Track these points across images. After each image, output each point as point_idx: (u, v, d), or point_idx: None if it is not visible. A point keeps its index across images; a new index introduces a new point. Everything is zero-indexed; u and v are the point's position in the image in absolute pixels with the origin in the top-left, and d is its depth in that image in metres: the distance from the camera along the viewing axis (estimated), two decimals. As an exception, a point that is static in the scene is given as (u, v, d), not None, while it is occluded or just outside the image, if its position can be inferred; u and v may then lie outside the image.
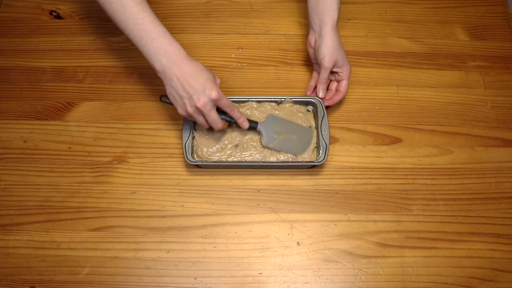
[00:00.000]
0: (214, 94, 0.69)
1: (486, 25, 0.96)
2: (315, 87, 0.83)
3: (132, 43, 0.72)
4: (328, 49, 0.78)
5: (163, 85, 0.87)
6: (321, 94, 0.81)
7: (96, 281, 0.71)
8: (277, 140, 0.77)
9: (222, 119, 0.73)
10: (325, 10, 0.78)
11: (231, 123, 0.76)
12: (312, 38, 0.82)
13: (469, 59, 0.92)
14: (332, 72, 0.82)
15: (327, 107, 0.81)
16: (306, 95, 0.84)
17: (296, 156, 0.78)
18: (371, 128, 0.84)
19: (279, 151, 0.77)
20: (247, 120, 0.75)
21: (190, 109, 0.70)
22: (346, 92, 0.82)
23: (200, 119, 0.72)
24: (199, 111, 0.70)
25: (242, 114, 0.75)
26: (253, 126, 0.76)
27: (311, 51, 0.83)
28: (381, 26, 0.96)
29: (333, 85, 0.84)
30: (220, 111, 0.73)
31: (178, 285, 0.71)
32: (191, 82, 0.69)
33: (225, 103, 0.71)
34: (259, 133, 0.77)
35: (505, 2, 0.99)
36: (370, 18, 0.97)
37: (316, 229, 0.75)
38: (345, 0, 0.99)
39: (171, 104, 0.73)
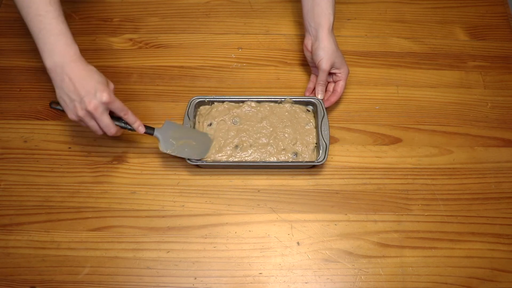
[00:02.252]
0: (105, 96, 0.67)
1: (486, 25, 0.96)
2: (314, 89, 0.83)
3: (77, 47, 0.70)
4: (325, 51, 0.78)
5: (163, 84, 0.88)
6: (320, 96, 0.81)
7: (96, 281, 0.71)
8: (175, 146, 0.74)
9: (116, 125, 0.71)
10: (321, 13, 0.79)
11: (127, 129, 0.74)
12: (308, 42, 0.82)
13: (469, 59, 0.92)
14: (330, 74, 0.82)
15: (326, 107, 0.81)
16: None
17: (296, 156, 0.78)
18: (371, 128, 0.84)
19: (178, 156, 0.75)
20: (143, 125, 0.73)
21: (81, 113, 0.68)
22: (343, 92, 0.82)
23: (92, 124, 0.70)
24: (91, 114, 0.68)
25: (137, 118, 0.73)
26: (149, 132, 0.74)
27: (308, 54, 0.83)
28: (381, 26, 0.96)
29: (331, 86, 0.84)
30: (115, 117, 0.72)
31: (178, 285, 0.71)
32: (83, 84, 0.67)
33: (118, 107, 0.70)
34: (157, 139, 0.75)
35: (505, 2, 0.99)
36: (370, 18, 0.97)
37: (316, 229, 0.75)
38: (345, 0, 0.99)
39: (62, 110, 0.71)
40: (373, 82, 0.89)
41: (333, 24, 0.79)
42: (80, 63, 0.68)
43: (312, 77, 0.86)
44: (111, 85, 0.71)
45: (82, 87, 0.67)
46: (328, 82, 0.84)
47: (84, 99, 0.67)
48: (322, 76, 0.80)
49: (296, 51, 0.92)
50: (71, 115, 0.69)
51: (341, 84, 0.81)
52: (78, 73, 0.68)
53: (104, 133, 0.72)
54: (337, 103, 0.86)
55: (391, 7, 0.98)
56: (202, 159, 0.77)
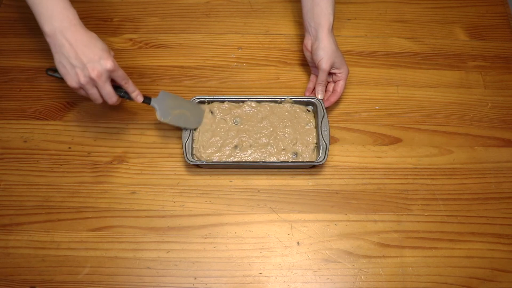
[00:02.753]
0: (109, 64, 0.66)
1: (486, 25, 0.96)
2: (314, 89, 0.83)
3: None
4: (325, 51, 0.78)
5: (163, 84, 0.88)
6: (320, 96, 0.81)
7: (96, 281, 0.71)
8: (172, 115, 0.75)
9: (116, 94, 0.71)
10: (320, 13, 0.79)
11: (125, 98, 0.74)
12: (308, 42, 0.82)
13: (469, 59, 0.92)
14: (330, 74, 0.82)
15: (326, 107, 0.81)
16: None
17: (296, 156, 0.78)
18: (371, 128, 0.84)
19: (174, 125, 0.77)
20: (141, 94, 0.73)
21: (83, 80, 0.66)
22: (342, 92, 0.82)
23: (93, 91, 0.68)
24: (93, 82, 0.67)
25: (136, 88, 0.72)
26: (146, 102, 0.75)
27: (307, 54, 0.83)
28: (381, 26, 0.96)
29: (331, 86, 0.84)
30: (113, 86, 0.71)
31: (178, 285, 0.71)
32: (85, 51, 0.65)
33: (120, 75, 0.69)
34: (153, 108, 0.75)
35: (505, 2, 0.99)
36: (370, 18, 0.97)
37: (316, 229, 0.75)
38: (345, 0, 0.99)
39: (59, 77, 0.69)
40: (373, 82, 0.89)
41: (333, 24, 0.79)
42: (80, 28, 0.67)
43: (312, 77, 0.86)
44: (112, 53, 0.70)
45: (84, 53, 0.65)
46: (328, 82, 0.84)
47: (87, 65, 0.65)
48: (322, 76, 0.80)
49: (296, 51, 0.92)
50: (71, 82, 0.67)
51: (341, 84, 0.81)
52: (80, 38, 0.66)
53: (104, 102, 0.71)
54: (337, 103, 0.86)
55: (391, 7, 0.98)
56: (201, 161, 0.77)
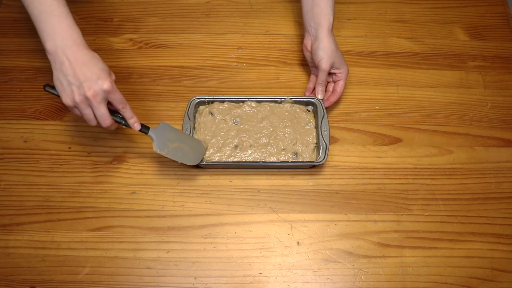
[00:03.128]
0: (107, 84, 0.65)
1: (486, 25, 0.96)
2: (313, 89, 0.83)
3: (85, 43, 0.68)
4: (325, 51, 0.79)
5: (163, 84, 0.88)
6: (320, 96, 0.81)
7: (96, 281, 0.71)
8: (169, 148, 0.73)
9: (112, 118, 0.69)
10: (320, 13, 0.79)
11: (121, 124, 0.72)
12: (308, 42, 0.82)
13: (469, 59, 0.92)
14: (329, 74, 0.82)
15: (326, 107, 0.81)
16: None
17: (296, 156, 0.78)
18: (371, 128, 0.84)
19: (171, 158, 0.74)
20: (139, 122, 0.71)
21: (78, 98, 0.65)
22: (342, 92, 0.82)
23: (87, 111, 0.66)
24: (88, 101, 0.65)
25: (134, 114, 0.70)
26: (144, 131, 0.73)
27: (307, 54, 0.83)
28: (381, 26, 0.96)
29: (330, 86, 0.84)
30: (111, 110, 0.69)
31: (178, 285, 0.71)
32: (83, 70, 0.64)
33: (117, 98, 0.67)
34: (151, 138, 0.74)
35: (505, 2, 0.99)
36: (370, 18, 0.97)
37: (316, 229, 0.75)
38: (345, 0, 0.99)
39: (56, 94, 0.68)
40: (373, 82, 0.89)
41: (332, 24, 0.80)
42: (83, 48, 0.66)
43: (312, 77, 0.86)
44: (113, 76, 0.69)
45: (82, 72, 0.64)
46: (328, 82, 0.84)
47: (84, 84, 0.64)
48: (322, 76, 0.80)
49: (296, 51, 0.92)
50: (66, 99, 0.66)
51: (340, 84, 0.82)
52: (80, 57, 0.65)
53: (98, 124, 0.69)
54: (337, 103, 0.86)
55: (391, 7, 0.98)
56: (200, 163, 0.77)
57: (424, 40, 0.94)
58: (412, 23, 0.96)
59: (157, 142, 0.73)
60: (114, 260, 0.72)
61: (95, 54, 0.67)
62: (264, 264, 0.72)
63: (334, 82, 0.83)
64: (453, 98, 0.87)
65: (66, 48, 0.65)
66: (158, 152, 0.73)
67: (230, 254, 0.73)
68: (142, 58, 0.91)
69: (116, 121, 0.71)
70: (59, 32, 0.65)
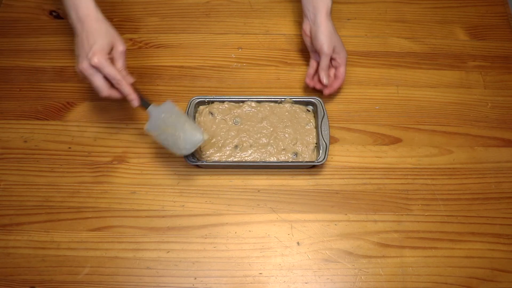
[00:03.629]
0: (94, 60, 0.67)
1: (486, 25, 0.96)
2: (314, 74, 0.82)
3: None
4: (325, 35, 0.78)
5: (163, 84, 0.88)
6: (325, 81, 0.80)
7: (96, 281, 0.71)
8: (160, 131, 0.71)
9: (109, 88, 0.70)
10: None
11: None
12: (306, 27, 0.82)
13: (469, 59, 0.92)
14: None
15: (328, 95, 0.80)
16: (306, 83, 0.84)
17: (296, 156, 0.78)
18: (371, 128, 0.84)
19: (159, 142, 0.73)
20: (138, 99, 0.71)
21: (84, 65, 0.68)
22: (345, 78, 0.82)
23: (95, 79, 0.69)
24: (86, 72, 0.68)
25: (132, 90, 0.71)
26: (144, 105, 0.72)
27: (307, 39, 0.83)
28: (381, 26, 0.96)
29: (331, 72, 0.83)
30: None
31: (178, 285, 0.71)
32: (90, 40, 0.68)
33: (109, 73, 0.69)
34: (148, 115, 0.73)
35: (505, 2, 0.99)
36: (370, 18, 0.97)
37: (316, 229, 0.75)
38: (345, 0, 0.99)
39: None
40: (373, 82, 0.89)
41: (331, 8, 0.79)
42: (91, 20, 0.70)
43: (312, 62, 0.85)
44: (120, 47, 0.71)
45: (88, 43, 0.69)
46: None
47: (90, 54, 0.68)
48: (325, 60, 0.79)
49: (296, 51, 0.92)
50: (76, 67, 0.71)
51: (342, 69, 0.81)
52: (89, 30, 0.70)
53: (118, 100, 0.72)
54: (337, 103, 0.86)
55: (391, 7, 0.98)
56: (202, 160, 0.77)
57: (424, 40, 0.94)
58: (412, 23, 0.96)
59: (150, 121, 0.71)
60: (114, 260, 0.72)
61: (102, 27, 0.71)
62: (264, 264, 0.72)
63: (335, 68, 0.82)
64: (453, 98, 0.87)
65: (78, 21, 0.71)
66: (146, 131, 0.71)
67: (230, 254, 0.73)
68: (142, 58, 0.91)
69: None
70: (73, 5, 0.71)
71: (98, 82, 0.69)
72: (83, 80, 0.71)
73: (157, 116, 0.72)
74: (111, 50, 0.71)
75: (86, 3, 0.71)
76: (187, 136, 0.72)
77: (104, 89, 0.70)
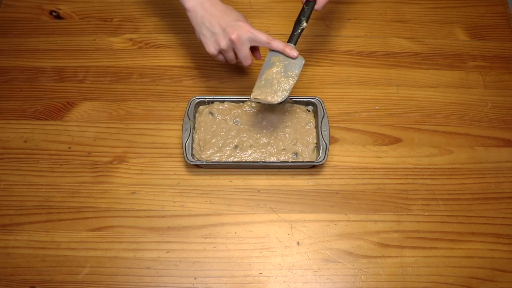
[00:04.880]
0: (247, 27, 0.71)
1: (486, 25, 0.96)
2: None
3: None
4: None
5: (163, 84, 0.88)
6: None
7: (96, 281, 0.71)
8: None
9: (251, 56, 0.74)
10: None
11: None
12: None
13: (469, 59, 0.92)
14: None
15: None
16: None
17: (296, 156, 0.78)
18: (371, 128, 0.84)
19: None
20: (294, 49, 0.74)
21: (224, 43, 0.72)
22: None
23: (230, 54, 0.74)
24: (232, 44, 0.72)
25: (283, 43, 0.74)
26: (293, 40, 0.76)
27: None
28: (381, 26, 0.96)
29: None
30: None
31: (178, 285, 0.71)
32: (224, 18, 0.72)
33: (260, 37, 0.72)
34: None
35: (505, 2, 0.99)
36: (370, 18, 0.97)
37: (316, 229, 0.75)
38: (345, 0, 0.99)
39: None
40: (373, 82, 0.89)
41: None
42: (217, 1, 0.74)
43: None
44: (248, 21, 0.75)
45: (223, 20, 0.72)
46: None
47: (227, 29, 0.71)
48: None
49: (296, 51, 0.92)
50: (210, 48, 0.74)
51: None
52: (218, 9, 0.73)
53: (238, 63, 0.76)
54: (337, 103, 0.86)
55: (391, 7, 0.98)
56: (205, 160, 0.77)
57: (424, 40, 0.94)
58: (412, 23, 0.96)
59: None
60: (114, 260, 0.72)
61: (229, 6, 0.75)
62: (264, 264, 0.72)
63: None
64: (453, 98, 0.87)
65: (204, 3, 0.73)
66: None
67: (230, 254, 0.73)
68: (142, 58, 0.91)
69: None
70: None
71: (247, 51, 0.73)
72: (221, 54, 0.75)
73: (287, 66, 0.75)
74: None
75: None
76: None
77: (250, 56, 0.74)
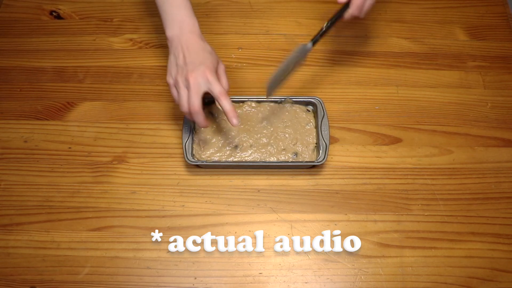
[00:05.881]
0: (208, 74, 0.68)
1: (486, 25, 0.96)
2: None
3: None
4: None
5: (163, 85, 0.88)
6: None
7: (96, 281, 0.71)
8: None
9: (203, 113, 0.70)
10: None
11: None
12: None
13: (468, 59, 0.92)
14: None
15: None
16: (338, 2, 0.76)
17: (296, 156, 0.78)
18: (371, 128, 0.84)
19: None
20: (237, 117, 0.70)
21: (180, 77, 0.69)
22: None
23: (182, 93, 0.69)
24: (187, 83, 0.68)
25: (232, 107, 0.69)
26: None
27: None
28: (381, 26, 0.96)
29: None
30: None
31: (178, 285, 0.71)
32: (193, 56, 0.69)
33: (216, 90, 0.68)
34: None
35: (505, 2, 0.99)
36: (370, 18, 0.97)
37: (316, 229, 0.75)
38: (345, 0, 0.98)
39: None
40: (373, 82, 0.89)
41: None
42: (197, 37, 0.72)
43: None
44: (222, 66, 0.73)
45: (191, 57, 0.69)
46: None
47: (189, 66, 0.68)
48: None
49: (296, 51, 0.92)
50: (168, 77, 0.71)
51: None
52: (193, 46, 0.71)
53: (188, 112, 0.70)
54: (337, 103, 0.86)
55: (391, 7, 0.98)
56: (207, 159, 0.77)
57: (424, 40, 0.94)
58: (412, 23, 0.96)
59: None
60: (114, 260, 0.72)
61: (208, 46, 0.72)
62: (264, 264, 0.72)
63: None
64: (453, 98, 0.87)
65: (182, 36, 0.71)
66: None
67: (230, 254, 0.73)
68: (142, 58, 0.91)
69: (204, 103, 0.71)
70: (177, 21, 0.72)
71: (197, 98, 0.68)
72: (175, 88, 0.71)
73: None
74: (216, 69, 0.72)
75: (192, 21, 0.73)
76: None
77: (199, 104, 0.69)
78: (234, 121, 0.69)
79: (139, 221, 0.75)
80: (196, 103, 0.68)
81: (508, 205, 0.77)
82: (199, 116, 0.70)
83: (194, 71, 0.68)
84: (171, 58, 0.71)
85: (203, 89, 0.68)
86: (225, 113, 0.70)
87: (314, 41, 0.75)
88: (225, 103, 0.69)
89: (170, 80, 0.71)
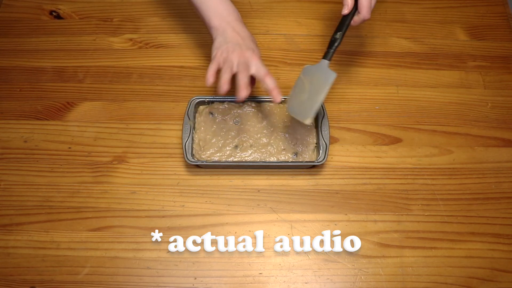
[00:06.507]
0: (259, 55, 0.72)
1: (486, 25, 0.96)
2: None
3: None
4: None
5: (163, 84, 0.88)
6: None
7: (96, 281, 0.71)
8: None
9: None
10: None
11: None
12: None
13: (469, 59, 0.92)
14: None
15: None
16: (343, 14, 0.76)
17: (296, 156, 0.78)
18: (371, 128, 0.84)
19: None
20: (280, 94, 0.72)
21: (231, 56, 0.71)
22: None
23: (225, 76, 0.71)
24: (239, 63, 0.70)
25: (275, 85, 0.72)
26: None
27: None
28: (381, 26, 0.96)
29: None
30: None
31: (178, 285, 0.71)
32: (244, 39, 0.73)
33: (263, 69, 0.71)
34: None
35: (505, 2, 0.99)
36: (370, 18, 0.96)
37: (316, 229, 0.75)
38: (345, 0, 0.98)
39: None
40: (373, 82, 0.89)
41: None
42: (243, 25, 0.76)
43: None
44: (258, 52, 0.75)
45: (242, 39, 0.73)
46: None
47: (242, 46, 0.72)
48: None
49: (296, 51, 0.92)
50: (215, 50, 0.73)
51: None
52: (242, 31, 0.74)
53: (225, 85, 0.71)
54: (337, 103, 0.86)
55: (391, 7, 0.98)
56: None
57: (424, 40, 0.94)
58: (412, 23, 0.96)
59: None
60: (114, 260, 0.72)
61: (252, 36, 0.76)
62: (264, 264, 0.72)
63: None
64: (453, 98, 0.87)
65: (230, 22, 0.75)
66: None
67: (230, 254, 0.73)
68: (142, 58, 0.91)
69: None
70: (222, 10, 0.76)
71: (245, 78, 0.71)
72: (210, 69, 0.71)
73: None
74: None
75: (236, 11, 0.77)
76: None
77: (247, 86, 0.71)
78: (278, 98, 0.72)
79: (139, 221, 0.75)
80: (245, 80, 0.71)
81: (508, 205, 0.77)
82: (245, 92, 0.71)
83: (246, 52, 0.71)
84: (219, 39, 0.73)
85: (251, 71, 0.72)
86: (269, 91, 0.72)
87: (330, 57, 0.75)
88: (270, 82, 0.71)
89: (218, 53, 0.72)
